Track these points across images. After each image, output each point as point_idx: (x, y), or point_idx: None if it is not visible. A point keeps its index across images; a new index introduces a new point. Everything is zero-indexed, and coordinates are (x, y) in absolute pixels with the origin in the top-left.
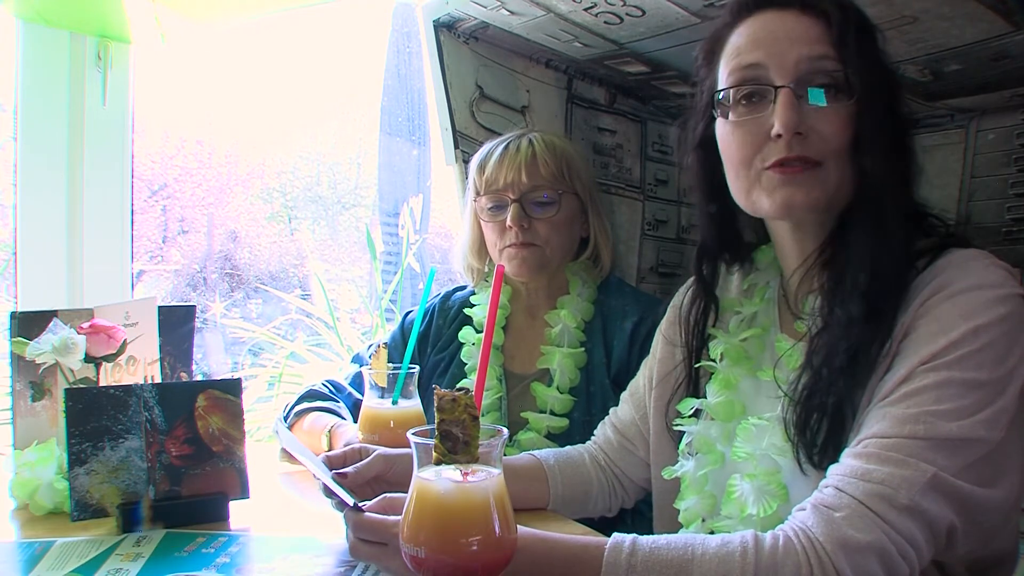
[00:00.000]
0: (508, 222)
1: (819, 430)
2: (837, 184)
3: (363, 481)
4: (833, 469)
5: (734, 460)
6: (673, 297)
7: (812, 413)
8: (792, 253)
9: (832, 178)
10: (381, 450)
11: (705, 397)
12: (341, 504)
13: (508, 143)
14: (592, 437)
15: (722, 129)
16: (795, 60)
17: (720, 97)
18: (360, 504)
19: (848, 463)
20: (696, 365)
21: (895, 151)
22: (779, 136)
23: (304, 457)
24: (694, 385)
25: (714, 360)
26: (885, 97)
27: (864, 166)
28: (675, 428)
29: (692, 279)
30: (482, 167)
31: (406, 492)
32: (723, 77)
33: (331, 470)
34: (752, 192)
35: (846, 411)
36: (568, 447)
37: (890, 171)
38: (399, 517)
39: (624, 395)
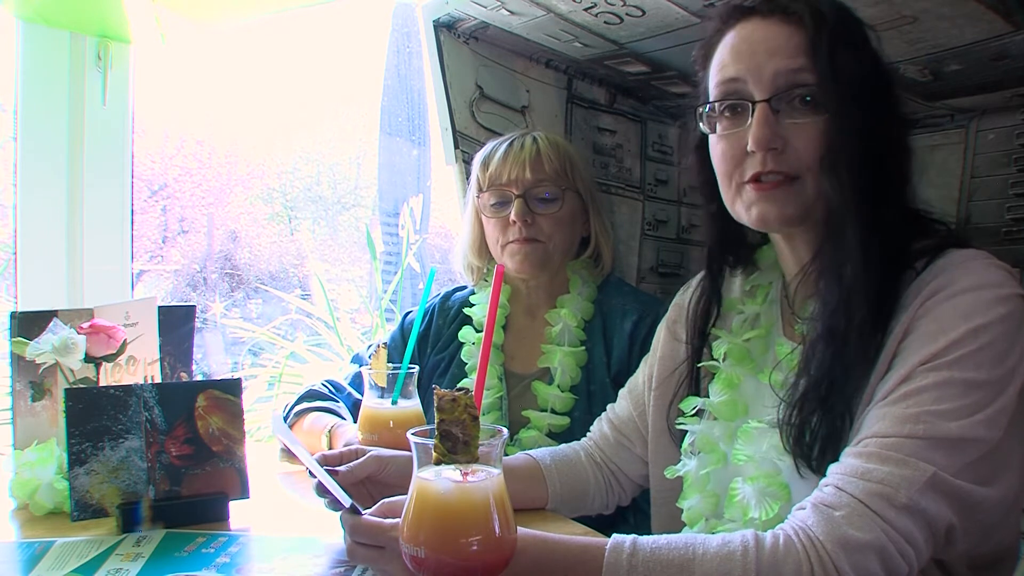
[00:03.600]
0: (512, 217)
1: (815, 437)
2: (815, 197)
3: (354, 480)
4: (833, 468)
5: (735, 463)
6: (676, 295)
7: (807, 421)
8: (790, 261)
9: (809, 191)
10: (376, 451)
11: (707, 396)
12: (334, 503)
13: (512, 140)
14: (588, 434)
15: (711, 140)
16: (772, 73)
17: (706, 110)
18: (357, 508)
19: (848, 462)
20: (698, 364)
21: (871, 163)
22: (755, 151)
23: (300, 452)
24: (696, 384)
25: (717, 360)
26: (862, 110)
27: (833, 181)
28: (678, 427)
29: (696, 276)
30: (486, 163)
31: (398, 493)
32: (710, 89)
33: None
34: (735, 204)
35: (841, 418)
36: (563, 445)
37: (858, 186)
38: (397, 520)
39: (622, 392)
